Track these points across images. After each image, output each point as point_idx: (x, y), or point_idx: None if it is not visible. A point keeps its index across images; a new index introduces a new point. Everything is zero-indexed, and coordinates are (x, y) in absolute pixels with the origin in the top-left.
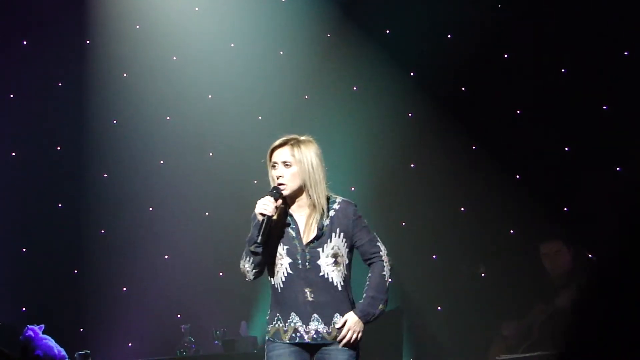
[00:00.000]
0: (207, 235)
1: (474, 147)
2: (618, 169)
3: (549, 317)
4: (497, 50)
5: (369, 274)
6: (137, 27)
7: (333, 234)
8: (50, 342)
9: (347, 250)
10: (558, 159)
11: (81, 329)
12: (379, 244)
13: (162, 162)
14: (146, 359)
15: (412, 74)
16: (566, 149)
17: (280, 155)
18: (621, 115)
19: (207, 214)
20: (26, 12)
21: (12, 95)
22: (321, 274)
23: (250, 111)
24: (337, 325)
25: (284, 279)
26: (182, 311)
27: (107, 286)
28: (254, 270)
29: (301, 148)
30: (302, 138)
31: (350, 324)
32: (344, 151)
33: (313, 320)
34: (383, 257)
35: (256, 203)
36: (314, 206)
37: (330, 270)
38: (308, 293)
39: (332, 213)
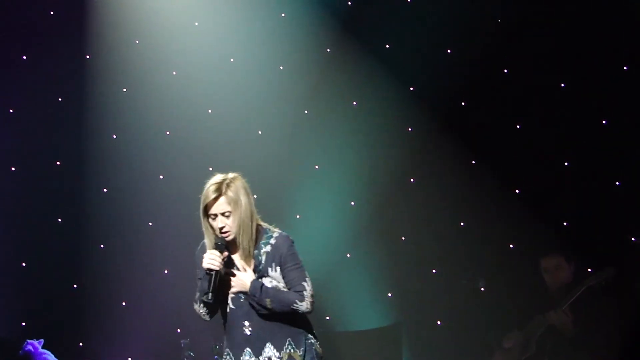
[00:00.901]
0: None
1: (473, 162)
2: (617, 183)
3: (547, 331)
4: (496, 65)
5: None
6: (137, 42)
7: (269, 269)
8: (50, 356)
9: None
10: (558, 173)
11: (80, 344)
12: (304, 283)
13: (161, 176)
14: None
15: (411, 88)
16: (566, 163)
17: (219, 207)
18: (621, 129)
19: None
20: (26, 27)
21: (11, 110)
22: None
23: (250, 126)
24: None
25: (226, 315)
26: (181, 326)
27: (106, 301)
28: (208, 315)
29: (234, 193)
30: (233, 181)
31: (242, 276)
32: (343, 166)
33: (244, 355)
34: (305, 295)
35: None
36: (244, 247)
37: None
38: (246, 327)
39: (268, 248)
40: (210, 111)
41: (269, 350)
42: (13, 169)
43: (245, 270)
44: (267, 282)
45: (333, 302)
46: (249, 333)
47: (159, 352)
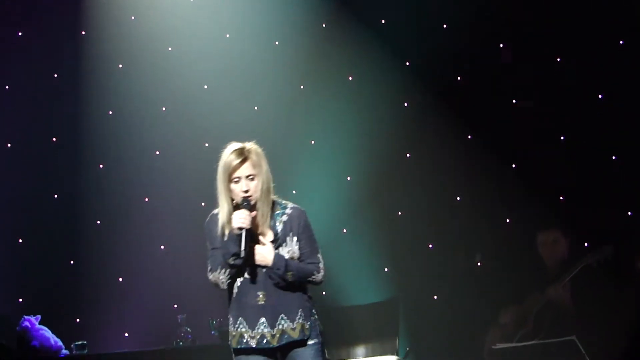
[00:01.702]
0: (203, 226)
1: (469, 137)
2: (614, 157)
3: (544, 306)
4: (492, 40)
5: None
6: (132, 18)
7: (287, 238)
8: (47, 332)
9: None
10: (554, 148)
11: (77, 320)
12: (319, 255)
13: (157, 152)
14: (142, 349)
15: (407, 63)
16: (562, 138)
17: (244, 170)
18: (617, 104)
19: (203, 204)
20: (21, 3)
21: (7, 87)
22: None
23: (246, 101)
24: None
25: (239, 284)
26: (178, 301)
27: (103, 277)
28: (228, 280)
29: (257, 158)
30: (253, 147)
31: (263, 248)
32: (339, 141)
33: (259, 325)
34: (320, 267)
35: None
36: (264, 213)
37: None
38: (260, 297)
39: (284, 218)
40: (206, 87)
41: (283, 321)
42: (9, 145)
43: (264, 244)
44: (284, 252)
45: (329, 278)
46: (262, 303)
47: (155, 327)
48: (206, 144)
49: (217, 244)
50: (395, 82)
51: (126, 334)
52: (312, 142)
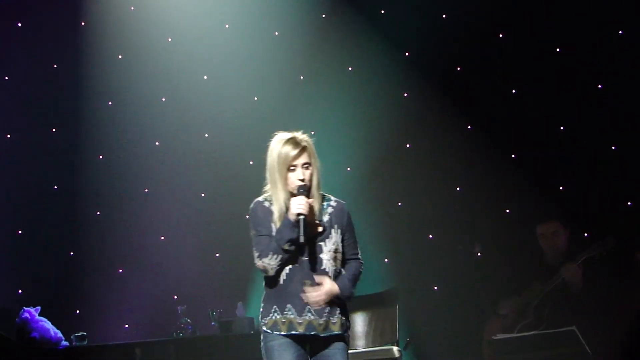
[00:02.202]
0: (203, 217)
1: (469, 127)
2: (613, 147)
3: (544, 298)
4: (492, 30)
5: (347, 266)
6: (132, 8)
7: (332, 230)
8: (47, 324)
9: (342, 246)
10: (553, 138)
11: (77, 311)
12: (359, 248)
13: (157, 143)
14: (142, 341)
15: (407, 53)
16: (561, 128)
17: (301, 159)
18: (616, 94)
19: (202, 195)
20: None
21: (6, 78)
22: (322, 267)
23: (245, 92)
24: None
25: (287, 272)
26: (178, 292)
27: (103, 268)
28: (278, 267)
29: (311, 148)
30: (307, 137)
31: (327, 287)
32: (339, 131)
33: (306, 312)
34: (361, 260)
35: (247, 204)
36: (316, 203)
37: (330, 264)
38: (308, 285)
39: (330, 210)
40: (205, 77)
41: (328, 314)
42: (8, 136)
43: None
44: (330, 244)
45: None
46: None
47: (155, 319)
48: (206, 135)
49: (265, 230)
50: (395, 72)
51: (126, 325)
52: (312, 132)
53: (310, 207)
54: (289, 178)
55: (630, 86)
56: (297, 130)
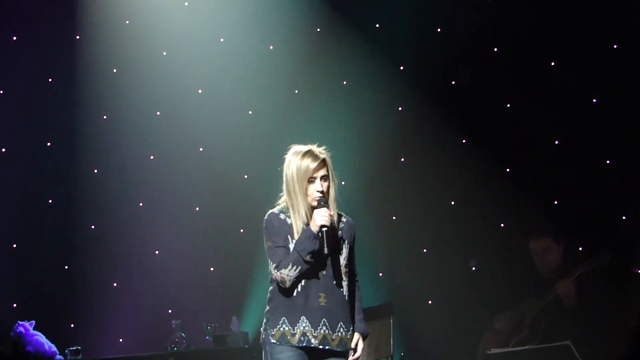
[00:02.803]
0: (198, 230)
1: (464, 141)
2: (608, 162)
3: (539, 313)
4: (486, 44)
5: (357, 298)
6: (127, 22)
7: (343, 246)
8: (41, 338)
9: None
10: (548, 152)
11: (72, 325)
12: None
13: (152, 157)
14: (137, 355)
15: (401, 67)
16: (556, 142)
17: (320, 171)
18: (611, 108)
19: (197, 209)
20: (16, 8)
21: (1, 91)
22: (336, 281)
23: (240, 106)
24: (352, 344)
25: (303, 283)
26: (173, 306)
27: (97, 282)
28: (296, 278)
29: (330, 163)
30: (325, 150)
31: (362, 345)
32: (334, 145)
33: (322, 326)
34: (357, 277)
35: (258, 215)
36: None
37: (343, 278)
38: (322, 298)
39: (341, 225)
40: (200, 91)
41: (342, 329)
42: (3, 150)
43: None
44: (341, 259)
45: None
46: (324, 305)
47: (150, 333)
48: (201, 149)
49: (281, 242)
50: (389, 86)
51: (121, 340)
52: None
53: (332, 220)
54: (307, 190)
55: (625, 100)
56: (312, 143)
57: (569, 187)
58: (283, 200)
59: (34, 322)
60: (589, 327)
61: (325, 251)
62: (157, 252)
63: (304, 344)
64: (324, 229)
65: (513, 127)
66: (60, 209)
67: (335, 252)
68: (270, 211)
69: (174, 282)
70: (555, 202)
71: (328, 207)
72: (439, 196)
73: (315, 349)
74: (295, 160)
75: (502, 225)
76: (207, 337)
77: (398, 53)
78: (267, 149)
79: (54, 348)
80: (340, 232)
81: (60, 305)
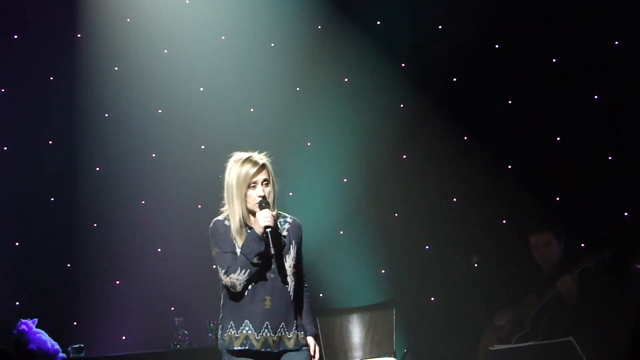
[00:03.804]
0: (200, 228)
1: (465, 138)
2: (610, 158)
3: (540, 310)
4: (488, 41)
5: (305, 301)
6: (128, 20)
7: (291, 246)
8: (44, 336)
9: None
10: (550, 148)
11: (74, 323)
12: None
13: (154, 155)
14: (140, 352)
15: (403, 65)
16: (558, 138)
17: (261, 175)
18: (613, 105)
19: (199, 206)
20: (17, 6)
21: (2, 90)
22: (283, 282)
23: (242, 103)
24: (311, 350)
25: (250, 288)
26: (175, 304)
27: (100, 280)
28: (246, 282)
29: (270, 168)
30: (264, 156)
31: (314, 345)
32: (335, 143)
33: (264, 329)
34: (305, 278)
35: (212, 222)
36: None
37: (291, 280)
38: (267, 301)
39: (287, 226)
40: (202, 89)
41: (283, 330)
42: (5, 148)
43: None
44: (289, 260)
45: (326, 279)
46: (269, 307)
47: (152, 330)
48: (202, 147)
49: (228, 247)
50: (391, 83)
51: (123, 337)
52: (309, 144)
53: (275, 221)
54: (249, 196)
55: (627, 96)
56: (253, 150)
57: (570, 183)
58: (226, 209)
59: (36, 320)
60: (590, 323)
61: (272, 251)
62: (159, 249)
63: (247, 347)
64: (268, 229)
65: (514, 124)
66: (62, 207)
67: (282, 253)
68: (216, 219)
69: (177, 280)
70: (557, 199)
71: (270, 209)
72: (440, 193)
73: (258, 352)
74: (235, 168)
75: (504, 222)
76: (210, 335)
77: (399, 50)
78: (268, 147)
79: (57, 346)
80: (286, 232)
81: (62, 303)
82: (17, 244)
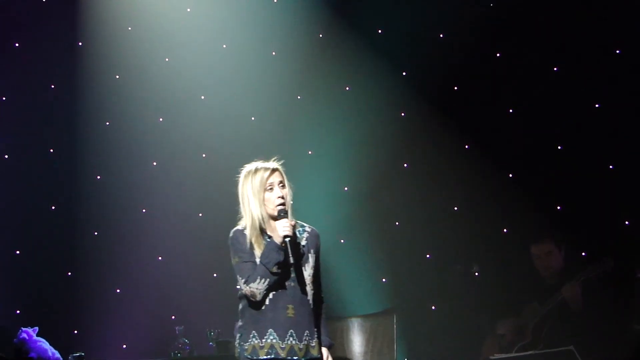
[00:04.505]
0: (201, 236)
1: (466, 147)
2: (611, 167)
3: (541, 319)
4: (489, 49)
5: (322, 311)
6: (129, 28)
7: (310, 255)
8: (45, 344)
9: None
10: (551, 157)
11: (75, 331)
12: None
13: (155, 163)
14: None
15: (404, 73)
16: (559, 147)
17: (276, 178)
18: (614, 113)
19: (200, 215)
20: (18, 14)
21: (4, 98)
22: (303, 291)
23: (243, 112)
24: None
25: (271, 296)
26: (176, 312)
27: (100, 288)
28: (265, 291)
29: (282, 171)
30: (275, 161)
31: (327, 356)
32: (336, 151)
33: (289, 337)
34: (324, 296)
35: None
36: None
37: (310, 289)
38: (290, 309)
39: (305, 235)
40: (203, 97)
41: (308, 337)
42: (6, 156)
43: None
44: (308, 269)
45: (327, 288)
46: (292, 316)
47: (153, 339)
48: (203, 155)
49: (248, 257)
50: (392, 92)
51: (124, 346)
52: (310, 152)
53: (294, 230)
54: (267, 200)
55: (628, 105)
56: (256, 157)
57: (571, 192)
58: (243, 220)
59: (37, 328)
60: (592, 332)
61: (291, 260)
62: (160, 258)
63: (272, 356)
64: (287, 239)
65: (516, 132)
66: (63, 216)
67: (301, 261)
68: (235, 228)
69: (177, 288)
70: (558, 208)
71: (288, 218)
72: (441, 202)
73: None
74: (249, 176)
75: (504, 230)
76: (211, 343)
77: (400, 59)
78: (270, 155)
79: (58, 354)
80: (305, 241)
81: (63, 312)
82: (17, 252)
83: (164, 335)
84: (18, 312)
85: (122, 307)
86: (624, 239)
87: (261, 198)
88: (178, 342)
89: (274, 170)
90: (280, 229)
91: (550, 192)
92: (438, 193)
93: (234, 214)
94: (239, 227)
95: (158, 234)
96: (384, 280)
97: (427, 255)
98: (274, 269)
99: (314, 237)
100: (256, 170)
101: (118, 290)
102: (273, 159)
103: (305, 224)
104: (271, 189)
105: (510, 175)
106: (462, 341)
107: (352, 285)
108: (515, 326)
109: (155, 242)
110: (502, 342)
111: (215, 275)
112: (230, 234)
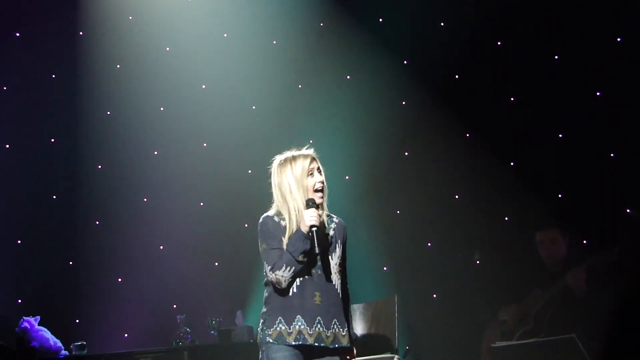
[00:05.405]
0: (202, 226)
1: (468, 135)
2: (612, 155)
3: (544, 306)
4: (490, 38)
5: (349, 305)
6: (130, 18)
7: (337, 246)
8: (46, 333)
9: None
10: (552, 145)
11: (77, 320)
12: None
13: (156, 152)
14: (142, 350)
15: (405, 62)
16: (560, 135)
17: (315, 164)
18: (615, 101)
19: (201, 204)
20: (19, 4)
21: (5, 88)
22: (329, 280)
23: (244, 101)
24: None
25: (298, 283)
26: (177, 301)
27: (102, 277)
28: (291, 278)
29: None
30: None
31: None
32: (337, 140)
33: (316, 324)
34: (349, 288)
35: (256, 217)
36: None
37: (337, 278)
38: (317, 297)
39: (333, 225)
40: (204, 87)
41: (336, 326)
42: (7, 146)
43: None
44: (335, 259)
45: None
46: (319, 303)
47: (155, 328)
48: (204, 144)
49: (276, 244)
50: (393, 81)
51: (125, 335)
52: (310, 140)
53: (321, 220)
54: (308, 185)
55: (630, 93)
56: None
57: (572, 180)
58: (276, 206)
59: (38, 317)
60: (594, 320)
61: (317, 250)
62: (161, 247)
63: (300, 342)
64: (314, 228)
65: (517, 120)
66: (65, 205)
67: (328, 251)
68: (265, 214)
69: (179, 277)
70: (559, 196)
71: (317, 208)
72: (442, 190)
73: (311, 347)
74: (286, 165)
75: (506, 218)
76: (212, 332)
77: (402, 47)
78: (271, 144)
79: (59, 343)
80: (333, 231)
81: (65, 301)
82: (19, 241)
83: (165, 324)
84: (20, 301)
85: (123, 297)
86: (624, 227)
87: (305, 184)
88: (179, 331)
89: (312, 157)
90: (307, 219)
91: (551, 180)
92: (439, 181)
93: (236, 203)
94: (269, 212)
95: (159, 223)
96: (385, 268)
97: (429, 244)
98: (300, 258)
99: (342, 228)
100: (294, 158)
101: (119, 280)
102: (306, 147)
103: (333, 215)
104: (312, 174)
105: (512, 164)
106: (464, 329)
107: (353, 273)
108: (517, 313)
109: (156, 231)
110: (504, 329)
111: (216, 264)
112: (260, 220)
